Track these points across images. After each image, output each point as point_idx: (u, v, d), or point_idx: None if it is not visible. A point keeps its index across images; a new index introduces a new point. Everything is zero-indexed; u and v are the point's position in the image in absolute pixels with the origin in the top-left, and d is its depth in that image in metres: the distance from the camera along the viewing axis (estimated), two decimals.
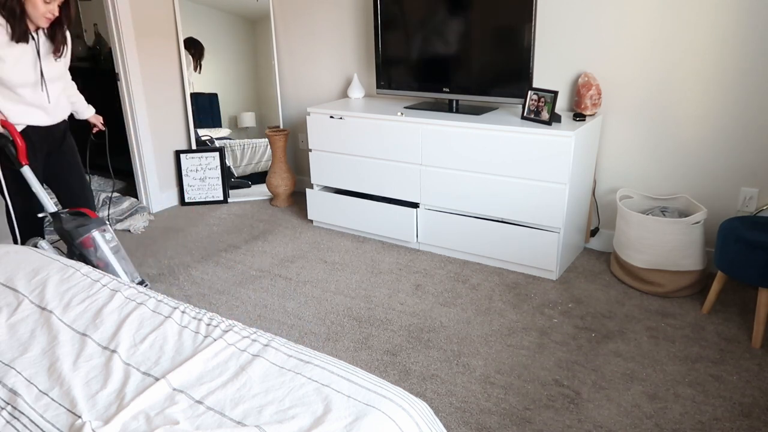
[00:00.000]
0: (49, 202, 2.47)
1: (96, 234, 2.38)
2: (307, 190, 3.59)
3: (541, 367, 2.25)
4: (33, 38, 2.31)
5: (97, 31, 5.10)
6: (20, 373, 1.51)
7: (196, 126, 4.17)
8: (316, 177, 3.56)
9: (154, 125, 3.98)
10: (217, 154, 4.14)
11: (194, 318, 1.71)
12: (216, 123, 4.24)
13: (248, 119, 4.31)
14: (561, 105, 3.11)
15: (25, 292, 1.90)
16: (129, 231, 3.72)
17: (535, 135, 2.75)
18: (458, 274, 3.00)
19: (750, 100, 2.67)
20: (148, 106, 3.92)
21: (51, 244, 2.54)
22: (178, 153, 4.13)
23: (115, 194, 4.20)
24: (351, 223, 3.47)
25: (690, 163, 2.88)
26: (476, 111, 3.12)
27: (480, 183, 2.96)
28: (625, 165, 3.05)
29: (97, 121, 2.88)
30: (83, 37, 5.23)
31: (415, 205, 3.23)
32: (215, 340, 1.59)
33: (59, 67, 2.46)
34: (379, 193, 3.32)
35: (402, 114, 3.13)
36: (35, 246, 2.44)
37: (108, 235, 2.41)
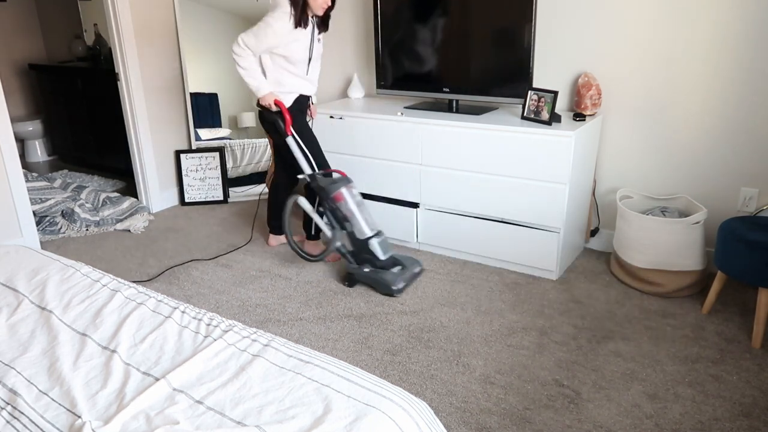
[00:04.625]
0: (307, 166, 2.93)
1: (344, 190, 2.80)
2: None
3: (541, 367, 2.25)
4: (311, 24, 2.80)
5: (97, 31, 5.10)
6: (20, 373, 1.51)
7: (196, 126, 4.17)
8: None
9: (154, 125, 3.98)
10: (217, 154, 4.14)
11: (194, 318, 1.71)
12: (216, 123, 4.24)
13: (248, 119, 4.31)
14: (561, 105, 3.11)
15: (25, 292, 1.90)
16: (129, 231, 3.72)
17: (535, 135, 2.75)
18: (458, 274, 3.00)
19: (750, 100, 2.67)
20: (148, 106, 3.92)
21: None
22: (178, 153, 4.13)
23: (115, 194, 4.20)
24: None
25: (690, 163, 2.88)
26: (476, 111, 3.12)
27: (480, 183, 2.96)
28: (625, 165, 3.05)
29: (314, 109, 3.24)
30: (83, 37, 5.24)
31: (415, 205, 3.23)
32: (215, 340, 1.59)
33: (319, 50, 2.94)
34: (379, 193, 3.32)
35: (402, 114, 3.13)
36: (296, 203, 2.94)
37: (354, 191, 2.84)
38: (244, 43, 2.74)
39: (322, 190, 2.83)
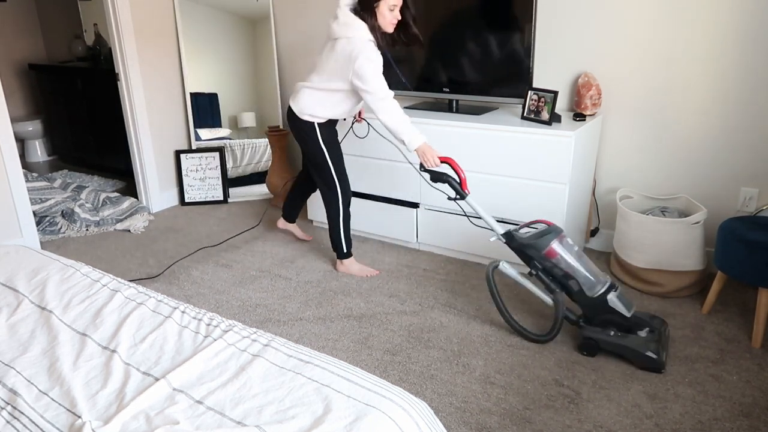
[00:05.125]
0: (496, 225, 2.48)
1: (556, 243, 2.30)
2: None
3: (541, 367, 2.25)
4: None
5: (97, 31, 5.10)
6: (20, 373, 1.51)
7: (196, 126, 4.17)
8: None
9: (154, 125, 3.98)
10: (217, 154, 4.14)
11: (194, 318, 1.71)
12: (216, 123, 4.24)
13: (248, 119, 4.31)
14: (561, 105, 3.11)
15: (25, 292, 1.90)
16: (129, 231, 3.72)
17: (535, 135, 2.75)
18: (458, 274, 3.00)
19: (750, 100, 2.67)
20: (148, 106, 3.91)
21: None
22: (178, 153, 4.13)
23: (115, 194, 4.20)
24: (351, 223, 3.47)
25: (690, 163, 2.88)
26: (476, 111, 3.12)
27: (480, 183, 2.96)
28: (625, 165, 3.05)
29: (361, 109, 3.09)
30: (83, 37, 5.24)
31: (415, 205, 3.23)
32: (215, 340, 1.59)
33: None
34: (379, 193, 3.32)
35: None
36: (495, 268, 2.43)
37: (568, 240, 2.33)
38: (384, 86, 2.54)
39: (530, 247, 2.33)
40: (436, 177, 2.53)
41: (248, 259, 3.24)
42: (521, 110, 2.93)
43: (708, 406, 2.02)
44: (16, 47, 5.44)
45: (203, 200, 4.18)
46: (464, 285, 2.89)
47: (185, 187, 4.15)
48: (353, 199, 3.40)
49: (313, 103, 2.74)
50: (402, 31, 2.68)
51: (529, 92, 2.88)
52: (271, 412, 1.31)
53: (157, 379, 1.45)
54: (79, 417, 1.33)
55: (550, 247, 2.28)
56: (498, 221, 2.97)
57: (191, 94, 4.11)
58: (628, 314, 2.26)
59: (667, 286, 2.71)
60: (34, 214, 3.64)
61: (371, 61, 2.52)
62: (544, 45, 3.07)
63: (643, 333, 2.26)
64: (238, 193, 4.23)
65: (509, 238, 2.41)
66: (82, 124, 4.99)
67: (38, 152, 5.57)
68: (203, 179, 4.16)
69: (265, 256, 3.27)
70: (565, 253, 2.29)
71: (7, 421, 1.34)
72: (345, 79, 2.59)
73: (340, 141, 2.93)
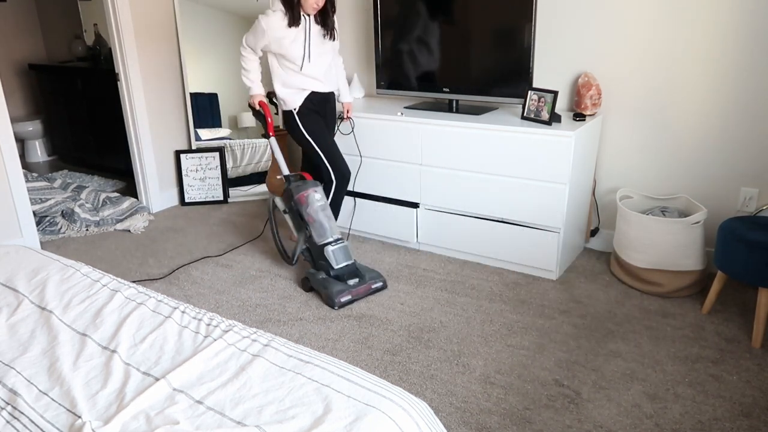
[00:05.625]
0: (285, 167, 3.04)
1: (309, 192, 2.81)
2: None
3: (541, 367, 2.25)
4: (304, 22, 2.83)
5: (97, 31, 5.10)
6: (20, 373, 1.51)
7: (196, 126, 4.17)
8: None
9: (154, 125, 3.98)
10: (217, 154, 4.14)
11: (194, 318, 1.71)
12: (216, 123, 4.24)
13: (248, 119, 4.31)
14: (561, 105, 3.11)
15: (25, 292, 1.90)
16: (129, 231, 3.72)
17: (535, 135, 2.75)
18: (458, 274, 3.00)
19: (750, 100, 2.67)
20: (148, 106, 3.91)
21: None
22: (178, 153, 4.13)
23: (115, 194, 4.20)
24: (351, 223, 3.47)
25: (690, 163, 2.88)
26: (476, 111, 3.12)
27: (480, 183, 2.96)
28: (625, 165, 3.05)
29: (348, 108, 3.24)
30: (83, 37, 5.24)
31: (415, 205, 3.23)
32: (215, 340, 1.59)
33: (325, 47, 2.95)
34: (379, 193, 3.32)
35: (402, 114, 3.13)
36: (273, 201, 3.02)
37: (318, 195, 2.84)
38: (245, 42, 2.90)
39: (290, 190, 2.87)
40: (256, 114, 3.08)
41: (248, 259, 3.24)
42: (521, 110, 2.93)
43: (708, 406, 2.02)
44: (16, 47, 5.44)
45: (203, 200, 4.18)
46: (464, 285, 2.89)
47: (185, 187, 4.15)
48: (353, 199, 3.40)
49: (277, 87, 2.97)
50: (321, 17, 2.88)
51: (529, 92, 2.88)
52: (271, 412, 1.31)
53: (157, 379, 1.45)
54: (79, 417, 1.33)
55: (302, 194, 2.81)
56: (499, 222, 2.98)
57: (191, 94, 4.11)
58: (335, 266, 2.75)
59: (667, 286, 2.71)
60: (34, 214, 3.64)
61: (261, 20, 2.81)
62: (544, 45, 3.07)
63: (351, 282, 2.74)
64: (238, 193, 4.23)
65: (287, 180, 2.98)
66: (82, 124, 4.99)
67: (38, 152, 5.57)
68: (203, 179, 4.16)
69: (265, 256, 3.27)
70: (313, 203, 2.80)
71: (7, 421, 1.34)
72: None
73: (337, 129, 3.17)
